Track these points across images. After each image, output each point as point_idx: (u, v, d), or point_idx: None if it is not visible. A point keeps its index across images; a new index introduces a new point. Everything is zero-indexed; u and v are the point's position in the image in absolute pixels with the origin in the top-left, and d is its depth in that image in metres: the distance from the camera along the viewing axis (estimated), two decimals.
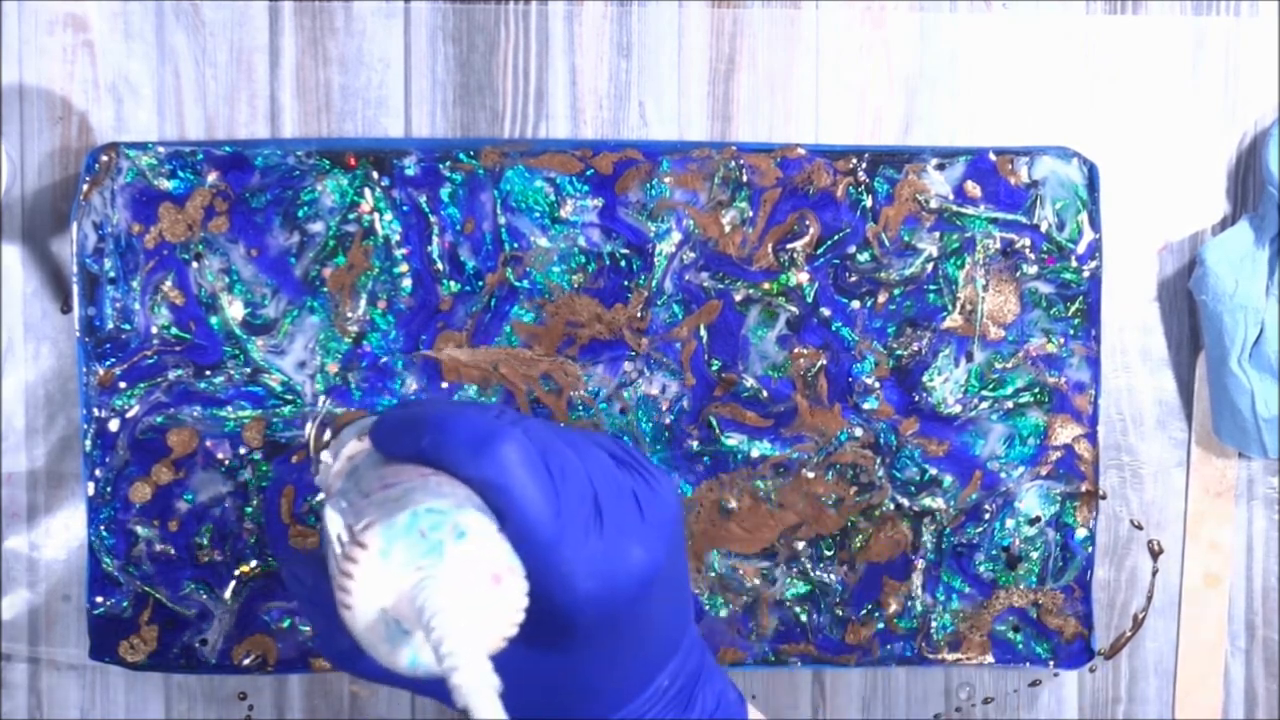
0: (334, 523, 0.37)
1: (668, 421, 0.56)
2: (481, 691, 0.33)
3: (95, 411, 0.55)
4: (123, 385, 0.55)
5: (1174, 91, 0.58)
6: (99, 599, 0.55)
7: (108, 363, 0.55)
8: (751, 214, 0.55)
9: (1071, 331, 0.57)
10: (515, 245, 0.55)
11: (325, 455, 0.43)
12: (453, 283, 0.55)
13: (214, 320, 0.55)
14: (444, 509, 0.35)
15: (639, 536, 0.38)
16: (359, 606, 0.35)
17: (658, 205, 0.55)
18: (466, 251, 0.55)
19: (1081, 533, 0.57)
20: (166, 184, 0.54)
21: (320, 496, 0.37)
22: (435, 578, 0.34)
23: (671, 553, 0.39)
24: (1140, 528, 0.59)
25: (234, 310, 0.55)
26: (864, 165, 0.56)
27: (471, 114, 0.57)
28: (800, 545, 0.57)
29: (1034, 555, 0.57)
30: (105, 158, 0.54)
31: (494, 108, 0.57)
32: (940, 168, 0.56)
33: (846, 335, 0.56)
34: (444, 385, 0.55)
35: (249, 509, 0.55)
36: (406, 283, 0.55)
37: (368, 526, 0.34)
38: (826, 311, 0.56)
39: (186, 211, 0.55)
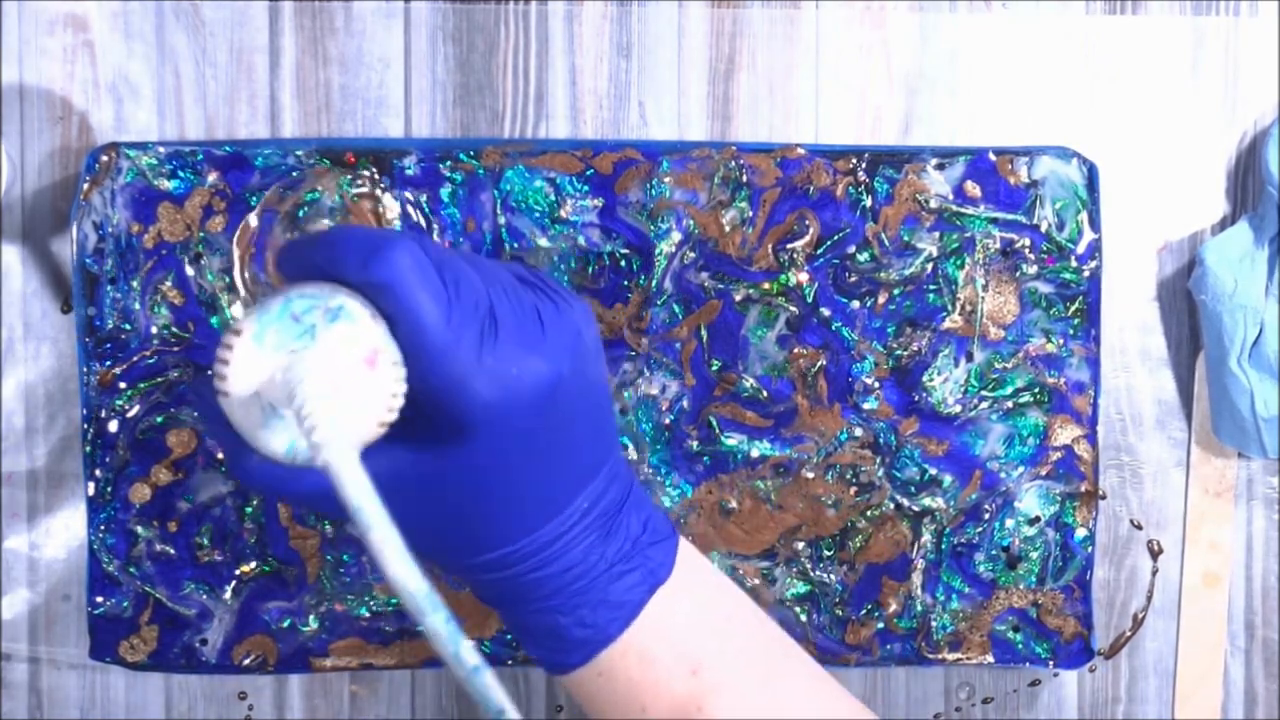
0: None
1: (667, 421, 0.56)
2: (346, 455, 0.33)
3: (95, 411, 0.55)
4: (123, 385, 0.55)
5: (1174, 91, 0.58)
6: (99, 599, 0.55)
7: (108, 363, 0.55)
8: (751, 214, 0.55)
9: (1071, 331, 0.57)
10: (515, 245, 0.55)
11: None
12: None
13: (214, 320, 0.55)
14: (318, 294, 0.35)
15: (538, 349, 0.38)
16: (234, 391, 0.35)
17: (658, 205, 0.55)
18: (467, 251, 0.55)
19: (1081, 533, 0.57)
20: (166, 184, 0.54)
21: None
22: (306, 358, 0.35)
23: (578, 370, 0.39)
24: (1140, 528, 0.59)
25: (234, 310, 0.55)
26: (864, 165, 0.56)
27: (471, 114, 0.57)
28: (800, 545, 0.57)
29: (1034, 555, 0.57)
30: (105, 158, 0.54)
31: (494, 108, 0.57)
32: (940, 168, 0.56)
33: (846, 335, 0.56)
34: None
35: (249, 509, 0.55)
36: None
37: (245, 317, 0.36)
38: (826, 311, 0.56)
39: (185, 211, 0.55)
